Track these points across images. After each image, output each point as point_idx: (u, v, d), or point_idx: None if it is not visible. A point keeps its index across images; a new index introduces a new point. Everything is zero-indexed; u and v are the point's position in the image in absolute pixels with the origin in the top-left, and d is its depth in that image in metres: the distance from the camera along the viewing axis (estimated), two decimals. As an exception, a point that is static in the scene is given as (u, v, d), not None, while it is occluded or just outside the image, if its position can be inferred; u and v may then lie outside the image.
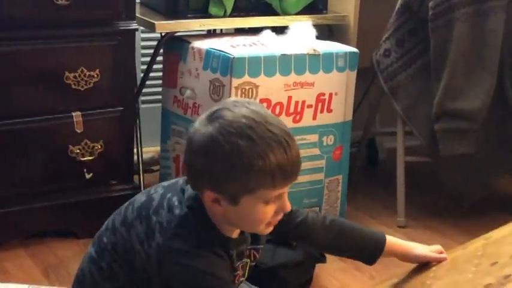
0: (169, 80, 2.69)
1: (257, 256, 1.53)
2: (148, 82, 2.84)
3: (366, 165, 3.31)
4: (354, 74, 2.63)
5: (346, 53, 2.60)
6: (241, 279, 1.52)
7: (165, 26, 2.60)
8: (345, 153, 2.69)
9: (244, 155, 1.33)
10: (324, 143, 2.63)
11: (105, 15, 2.43)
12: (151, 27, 2.59)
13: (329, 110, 2.60)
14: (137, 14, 2.58)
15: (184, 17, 2.62)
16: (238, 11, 2.69)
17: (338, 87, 2.60)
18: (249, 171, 1.34)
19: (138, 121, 2.74)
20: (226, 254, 1.42)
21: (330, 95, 2.59)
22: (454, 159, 2.74)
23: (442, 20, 2.61)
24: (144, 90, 2.87)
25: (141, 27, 2.67)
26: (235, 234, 1.47)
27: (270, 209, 1.40)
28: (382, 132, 3.27)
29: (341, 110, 2.63)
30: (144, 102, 3.14)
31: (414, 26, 2.75)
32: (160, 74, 2.80)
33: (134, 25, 2.51)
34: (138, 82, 2.77)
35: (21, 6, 2.30)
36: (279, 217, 1.43)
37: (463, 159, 2.74)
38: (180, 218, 1.41)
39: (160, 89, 2.81)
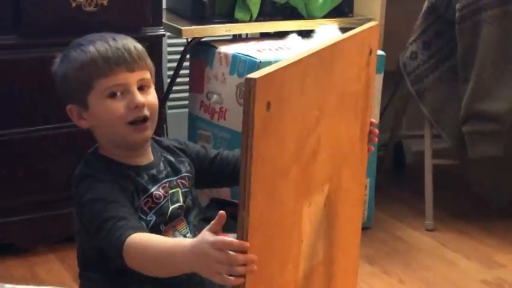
0: (196, 85, 2.70)
1: (186, 184, 1.56)
2: (175, 87, 2.85)
3: (393, 169, 3.30)
4: (380, 77, 2.62)
5: (372, 56, 2.59)
6: (176, 204, 1.52)
7: (192, 31, 2.61)
8: (372, 156, 2.68)
9: (73, 58, 1.48)
10: (351, 147, 2.62)
11: (133, 21, 2.44)
12: (177, 33, 2.61)
13: (356, 113, 2.60)
14: (164, 20, 2.60)
15: (210, 22, 2.63)
16: (264, 16, 2.70)
17: (364, 90, 2.59)
18: (78, 68, 1.47)
19: (165, 126, 2.75)
20: (130, 180, 1.47)
21: (357, 98, 2.58)
22: (482, 162, 2.72)
23: (469, 22, 2.60)
24: (171, 95, 2.88)
25: (168, 33, 2.68)
26: (139, 160, 1.51)
27: (118, 104, 1.45)
28: (409, 135, 3.26)
29: (368, 113, 2.63)
30: (171, 107, 3.16)
31: (441, 28, 2.74)
32: (187, 79, 2.82)
33: (161, 31, 2.53)
34: (165, 88, 2.79)
35: (49, 13, 2.33)
36: (135, 113, 1.46)
37: (491, 162, 2.72)
38: (78, 175, 1.50)
39: (187, 95, 2.82)
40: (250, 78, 1.10)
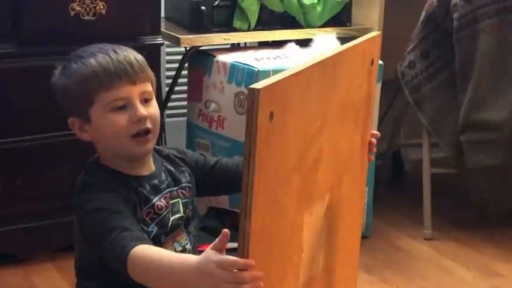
0: (194, 94, 2.70)
1: (186, 194, 1.55)
2: (173, 96, 2.85)
3: (391, 177, 3.30)
4: (378, 86, 2.62)
5: (370, 65, 2.59)
6: (176, 215, 1.52)
7: (190, 40, 2.61)
8: (370, 165, 2.67)
9: (73, 70, 1.47)
10: (350, 156, 2.62)
11: (131, 30, 2.44)
12: (176, 42, 2.61)
13: (354, 122, 2.60)
14: (162, 29, 2.60)
15: (208, 31, 2.63)
16: (262, 25, 2.70)
17: (363, 99, 2.59)
18: (79, 81, 1.46)
19: (163, 135, 2.75)
20: (133, 190, 1.46)
21: (355, 107, 2.58)
22: (481, 171, 2.72)
23: (467, 31, 2.61)
24: (169, 104, 2.88)
25: (166, 42, 2.68)
26: (141, 170, 1.50)
27: (121, 117, 1.45)
28: (407, 144, 3.26)
29: (366, 122, 2.63)
30: (169, 116, 3.15)
31: (439, 37, 2.74)
32: (185, 88, 2.81)
33: (160, 40, 2.53)
34: (164, 96, 2.79)
35: (47, 22, 2.33)
36: (138, 126, 1.45)
37: (490, 171, 2.72)
38: (79, 184, 1.48)
39: (185, 103, 2.82)
40: (254, 89, 1.10)
